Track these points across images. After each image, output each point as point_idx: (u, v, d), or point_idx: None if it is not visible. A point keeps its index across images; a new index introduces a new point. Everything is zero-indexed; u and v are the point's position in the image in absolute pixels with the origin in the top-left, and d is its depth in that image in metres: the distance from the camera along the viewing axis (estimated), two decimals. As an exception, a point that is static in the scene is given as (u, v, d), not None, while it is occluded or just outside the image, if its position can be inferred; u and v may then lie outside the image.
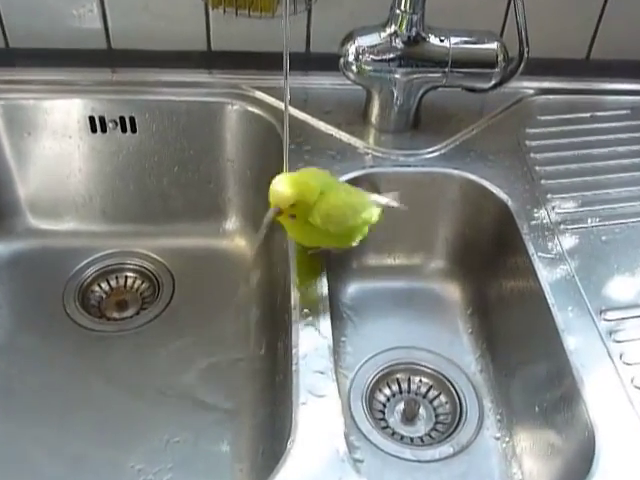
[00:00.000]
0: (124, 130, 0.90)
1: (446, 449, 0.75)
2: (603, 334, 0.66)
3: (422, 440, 0.77)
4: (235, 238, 0.97)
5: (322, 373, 0.63)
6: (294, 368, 0.63)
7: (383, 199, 0.72)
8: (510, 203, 0.79)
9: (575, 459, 0.63)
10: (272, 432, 0.73)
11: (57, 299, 0.90)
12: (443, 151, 0.85)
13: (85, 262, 0.94)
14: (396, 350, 0.83)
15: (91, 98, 0.88)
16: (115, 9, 0.90)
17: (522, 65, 0.82)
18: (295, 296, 0.69)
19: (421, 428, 0.78)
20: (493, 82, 0.83)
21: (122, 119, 0.89)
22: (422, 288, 0.89)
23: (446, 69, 0.80)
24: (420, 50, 0.80)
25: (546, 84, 0.94)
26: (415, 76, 0.81)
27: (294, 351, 0.64)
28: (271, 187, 0.64)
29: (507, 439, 0.76)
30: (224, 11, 0.84)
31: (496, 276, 0.82)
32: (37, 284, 0.91)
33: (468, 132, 0.87)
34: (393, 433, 0.77)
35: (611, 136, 0.87)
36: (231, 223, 0.97)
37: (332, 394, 0.61)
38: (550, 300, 0.69)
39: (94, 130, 0.90)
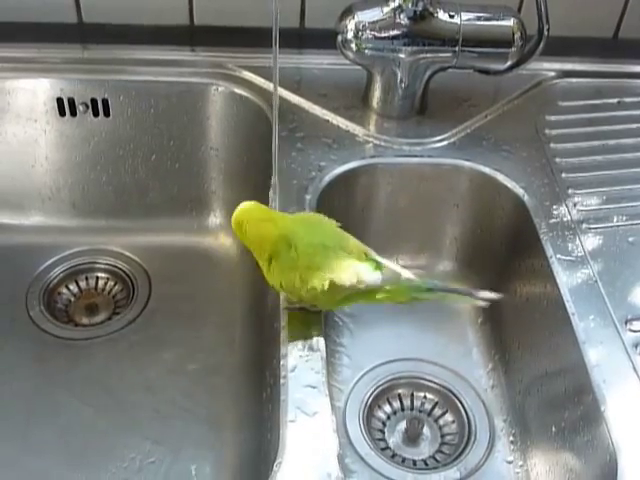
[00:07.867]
0: (96, 114, 0.90)
1: (452, 473, 0.75)
2: (628, 346, 0.66)
3: (426, 463, 0.77)
4: (219, 235, 0.97)
5: (313, 387, 0.63)
6: (282, 382, 0.63)
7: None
8: (527, 199, 0.79)
9: (595, 486, 0.63)
10: (258, 453, 0.72)
11: (20, 302, 0.89)
12: (452, 140, 0.85)
13: (51, 261, 0.93)
14: (398, 362, 0.83)
15: (59, 78, 0.88)
16: (87, -23, 0.90)
17: (541, 44, 0.82)
18: (284, 300, 0.68)
19: (425, 450, 0.78)
20: (509, 63, 0.83)
21: (94, 101, 0.89)
22: (428, 293, 0.89)
23: (456, 48, 0.80)
24: (427, 27, 0.80)
25: (569, 66, 0.94)
26: (422, 56, 0.81)
27: (282, 362, 0.64)
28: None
29: (520, 463, 0.76)
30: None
31: (510, 281, 0.82)
32: (-3, 285, 0.91)
33: (481, 119, 0.87)
34: (394, 455, 0.77)
35: (641, 125, 0.88)
36: (215, 218, 0.97)
37: (324, 411, 0.61)
38: (570, 308, 0.69)
39: (62, 113, 0.90)
